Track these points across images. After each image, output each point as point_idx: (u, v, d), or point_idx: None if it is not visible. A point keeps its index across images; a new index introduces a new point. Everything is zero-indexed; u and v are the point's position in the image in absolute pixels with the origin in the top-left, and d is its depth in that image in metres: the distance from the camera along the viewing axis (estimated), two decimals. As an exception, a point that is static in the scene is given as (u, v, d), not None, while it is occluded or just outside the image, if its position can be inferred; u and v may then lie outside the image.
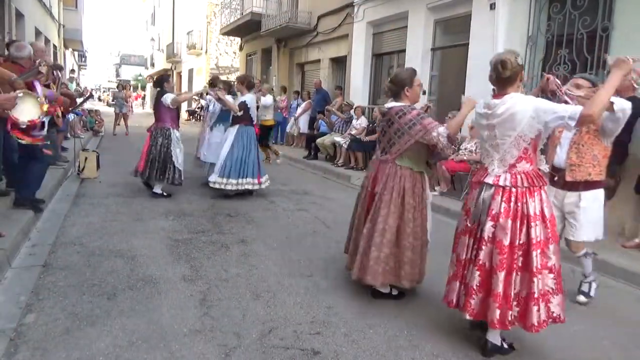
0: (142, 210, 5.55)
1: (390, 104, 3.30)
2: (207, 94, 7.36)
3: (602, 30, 5.41)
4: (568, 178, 3.31)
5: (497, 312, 2.51)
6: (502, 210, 2.52)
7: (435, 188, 6.95)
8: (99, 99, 40.37)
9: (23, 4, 10.80)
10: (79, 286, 3.30)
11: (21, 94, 3.63)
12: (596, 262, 4.28)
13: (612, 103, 2.84)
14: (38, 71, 4.48)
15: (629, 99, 4.81)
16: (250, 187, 6.35)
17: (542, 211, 2.53)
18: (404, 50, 9.24)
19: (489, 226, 2.55)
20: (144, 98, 41.81)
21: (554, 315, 2.57)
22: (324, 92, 11.73)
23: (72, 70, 28.12)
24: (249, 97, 6.33)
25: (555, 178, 3.41)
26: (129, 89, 19.03)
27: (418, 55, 8.68)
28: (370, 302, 3.28)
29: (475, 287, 2.58)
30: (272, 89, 11.20)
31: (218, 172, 6.21)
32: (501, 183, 2.56)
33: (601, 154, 3.27)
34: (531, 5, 6.30)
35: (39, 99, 3.87)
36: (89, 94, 10.18)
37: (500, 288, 2.51)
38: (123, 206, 5.72)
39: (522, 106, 2.48)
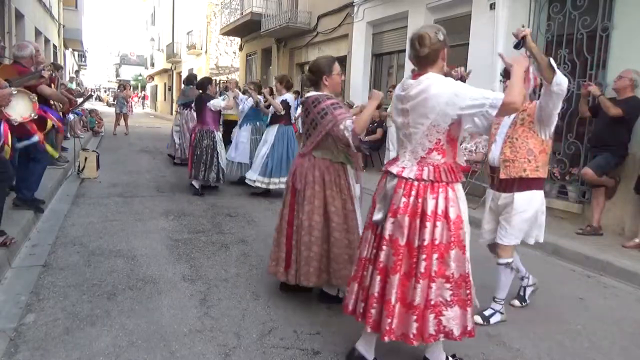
0: (142, 210, 5.56)
1: (309, 93, 3.13)
2: (244, 92, 7.72)
3: (602, 30, 5.41)
4: (502, 175, 3.04)
5: (387, 321, 2.20)
6: (401, 205, 2.22)
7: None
8: (99, 99, 40.38)
9: (23, 4, 10.80)
10: (79, 286, 3.30)
11: (15, 92, 3.64)
12: (597, 263, 4.30)
13: (553, 71, 2.64)
14: (40, 75, 4.48)
15: (628, 99, 4.88)
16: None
17: (445, 211, 2.20)
18: (403, 50, 9.23)
19: (389, 223, 2.26)
20: (144, 98, 41.85)
21: (446, 329, 2.23)
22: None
23: (77, 71, 28.14)
24: (288, 96, 6.56)
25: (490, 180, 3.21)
26: (129, 89, 19.02)
27: (418, 55, 8.68)
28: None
29: (376, 295, 2.26)
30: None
31: (258, 170, 6.38)
32: (404, 174, 2.25)
33: (537, 149, 2.99)
34: (531, 5, 6.30)
35: (32, 97, 3.88)
36: (89, 94, 10.17)
37: (393, 294, 2.19)
38: (123, 206, 5.72)
39: (437, 89, 2.14)
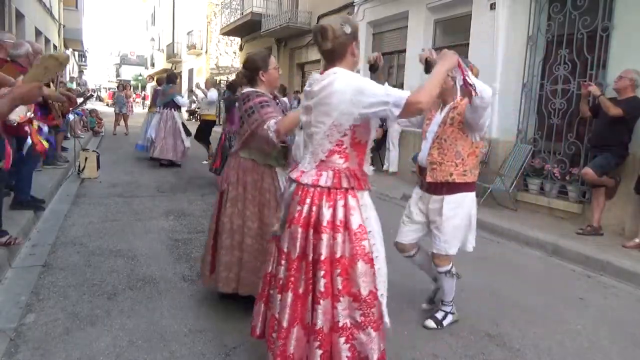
0: (142, 210, 5.56)
1: (244, 89, 2.95)
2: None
3: (602, 30, 5.41)
4: (428, 179, 2.83)
5: (279, 343, 1.93)
6: (296, 214, 1.98)
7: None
8: (99, 99, 40.39)
9: (23, 4, 10.80)
10: (79, 286, 3.30)
11: None
12: (597, 263, 4.30)
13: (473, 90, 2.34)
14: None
15: (629, 99, 4.88)
16: None
17: (345, 221, 1.94)
18: (404, 51, 9.24)
19: (285, 234, 2.03)
20: (144, 98, 41.89)
21: (362, 356, 1.94)
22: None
23: (80, 72, 28.13)
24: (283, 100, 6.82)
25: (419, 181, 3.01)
26: (130, 89, 19.03)
27: (418, 55, 8.68)
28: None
29: (276, 316, 2.00)
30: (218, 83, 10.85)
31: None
32: (302, 180, 2.00)
33: (466, 151, 2.76)
34: (531, 6, 6.30)
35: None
36: (89, 94, 10.18)
37: (285, 315, 1.94)
38: (123, 206, 5.72)
39: (341, 85, 1.91)
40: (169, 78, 9.52)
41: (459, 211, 2.81)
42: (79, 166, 7.27)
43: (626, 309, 3.52)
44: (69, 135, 10.20)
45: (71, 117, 10.06)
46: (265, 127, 2.61)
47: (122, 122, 15.44)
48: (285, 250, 2.01)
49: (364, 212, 1.99)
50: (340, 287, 1.91)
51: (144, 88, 45.03)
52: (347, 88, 1.90)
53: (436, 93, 1.95)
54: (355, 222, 1.95)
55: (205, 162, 9.75)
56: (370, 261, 1.95)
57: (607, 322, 3.24)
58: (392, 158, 8.94)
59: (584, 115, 5.35)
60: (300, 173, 2.05)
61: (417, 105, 1.86)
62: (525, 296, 3.60)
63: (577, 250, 4.54)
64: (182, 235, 4.65)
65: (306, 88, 2.12)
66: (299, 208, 1.97)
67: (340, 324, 1.91)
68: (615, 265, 4.18)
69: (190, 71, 28.34)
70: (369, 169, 2.10)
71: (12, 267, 3.57)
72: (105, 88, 56.53)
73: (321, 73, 2.07)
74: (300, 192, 2.00)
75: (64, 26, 18.20)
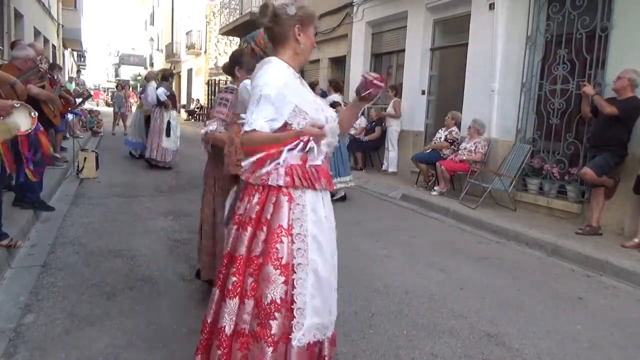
0: (141, 211, 5.55)
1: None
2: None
3: (601, 30, 5.41)
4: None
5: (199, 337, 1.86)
6: (239, 212, 1.87)
7: (435, 188, 6.96)
8: (103, 101, 40.36)
9: (22, 4, 10.79)
10: (78, 286, 3.29)
11: (18, 105, 3.65)
12: (596, 263, 4.31)
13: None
14: (38, 69, 4.47)
15: (628, 98, 4.88)
16: (344, 185, 6.50)
17: (269, 218, 1.78)
18: (403, 50, 9.24)
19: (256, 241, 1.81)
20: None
21: None
22: (321, 92, 11.75)
23: (78, 72, 28.09)
24: (336, 97, 7.28)
25: None
26: (129, 89, 19.02)
27: (417, 55, 8.68)
28: (370, 302, 3.28)
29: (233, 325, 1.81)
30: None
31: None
32: (252, 180, 1.84)
33: None
34: (530, 5, 6.30)
35: (32, 113, 3.89)
36: (88, 94, 10.15)
37: (210, 312, 1.86)
38: (122, 206, 5.71)
39: (253, 79, 1.85)
40: (164, 77, 9.49)
41: None
42: (78, 166, 7.27)
43: (626, 308, 3.52)
44: (68, 135, 10.19)
45: (70, 117, 10.06)
46: (204, 126, 2.78)
47: (120, 122, 15.43)
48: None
49: (298, 212, 1.79)
50: (249, 287, 1.75)
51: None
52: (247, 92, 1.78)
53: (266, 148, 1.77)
54: (279, 220, 1.76)
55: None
56: (282, 267, 1.73)
57: (607, 322, 3.24)
58: (392, 158, 8.95)
59: (585, 115, 5.35)
60: (248, 172, 1.89)
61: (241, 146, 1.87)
62: (524, 296, 3.60)
63: (576, 250, 4.54)
64: (182, 235, 4.65)
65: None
66: (244, 206, 1.86)
67: (239, 329, 1.75)
68: (614, 265, 4.18)
69: (190, 71, 28.33)
70: (294, 161, 1.81)
71: (11, 267, 3.56)
72: (104, 88, 56.47)
73: None
74: (247, 190, 1.88)
75: (62, 26, 18.18)
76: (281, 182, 1.77)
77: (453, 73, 8.11)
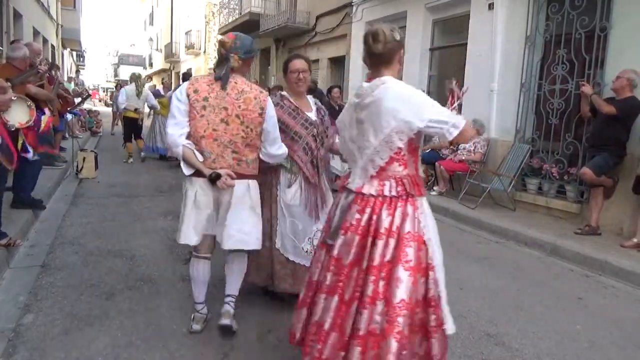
0: (140, 211, 5.55)
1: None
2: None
3: (600, 30, 5.42)
4: None
5: (317, 347, 1.95)
6: (353, 222, 1.99)
7: (434, 188, 6.97)
8: (99, 100, 40.32)
9: (21, 4, 10.77)
10: (77, 286, 3.29)
11: (15, 98, 3.65)
12: (595, 262, 4.31)
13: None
14: (37, 71, 4.46)
15: (627, 98, 4.89)
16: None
17: (399, 227, 1.94)
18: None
19: (339, 241, 2.02)
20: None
21: None
22: (319, 92, 11.73)
23: (78, 71, 28.04)
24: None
25: None
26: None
27: (416, 55, 8.68)
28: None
29: (318, 320, 2.01)
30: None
31: None
32: (365, 191, 2.00)
33: None
34: (529, 5, 6.31)
35: (29, 104, 3.89)
36: (87, 94, 10.13)
37: (328, 319, 1.95)
38: (122, 206, 5.71)
39: (394, 99, 1.93)
40: (185, 77, 9.53)
41: None
42: (77, 166, 7.26)
43: (625, 308, 3.52)
44: (67, 135, 10.18)
45: (69, 117, 10.04)
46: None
47: (119, 122, 15.42)
48: (336, 256, 2.01)
49: (422, 219, 2.00)
50: (381, 290, 1.89)
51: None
52: (401, 104, 1.92)
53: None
54: (406, 228, 1.94)
55: (130, 160, 9.50)
56: (411, 269, 1.90)
57: (606, 321, 3.24)
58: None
59: (585, 115, 5.36)
60: (360, 184, 2.03)
61: (470, 134, 1.99)
62: (524, 296, 3.60)
63: (575, 250, 4.55)
64: (181, 235, 4.64)
65: (354, 99, 2.10)
66: (357, 217, 1.99)
67: (370, 329, 1.88)
68: (613, 265, 4.18)
69: (189, 71, 28.30)
70: (421, 171, 2.16)
71: (10, 267, 3.56)
72: (104, 88, 56.41)
73: (367, 81, 2.07)
74: (359, 202, 2.01)
75: (61, 26, 18.15)
76: (407, 193, 1.97)
77: (452, 73, 8.09)
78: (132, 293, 3.24)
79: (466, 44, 7.40)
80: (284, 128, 2.88)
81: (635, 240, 4.62)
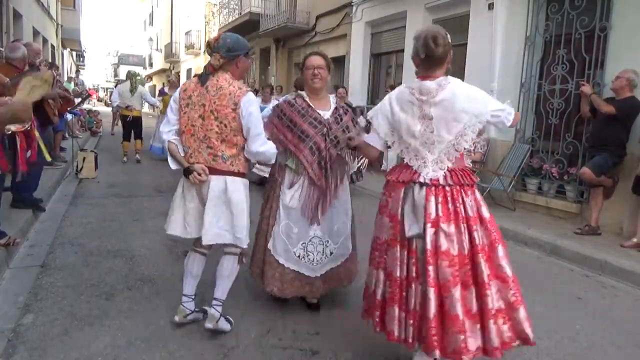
0: (140, 211, 5.55)
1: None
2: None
3: (600, 30, 5.42)
4: None
5: (461, 338, 2.04)
6: (440, 213, 2.11)
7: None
8: (98, 99, 40.29)
9: (21, 4, 10.77)
10: (77, 286, 3.29)
11: (11, 100, 3.63)
12: (595, 262, 4.31)
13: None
14: (38, 70, 4.44)
15: (627, 98, 4.89)
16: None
17: (479, 211, 2.17)
18: (402, 50, 9.25)
19: (430, 234, 2.10)
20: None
21: (522, 335, 2.13)
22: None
23: (78, 71, 27.99)
24: None
25: None
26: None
27: (416, 55, 8.68)
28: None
29: (432, 315, 2.08)
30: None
31: None
32: (443, 182, 2.16)
33: None
34: (529, 5, 6.31)
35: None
36: (86, 94, 10.12)
37: (459, 309, 2.05)
38: (121, 206, 5.71)
39: (464, 95, 2.15)
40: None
41: None
42: (77, 166, 7.26)
43: (624, 308, 3.52)
44: (67, 135, 10.18)
45: (69, 117, 10.04)
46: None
47: (119, 122, 15.41)
48: (430, 249, 2.09)
49: (484, 203, 2.23)
50: (486, 273, 2.08)
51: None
52: (471, 101, 2.14)
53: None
54: (485, 211, 2.18)
55: (125, 159, 9.51)
56: (505, 245, 2.17)
57: (606, 321, 3.24)
58: (391, 158, 8.92)
59: (585, 115, 5.36)
60: (433, 177, 2.16)
61: (518, 118, 2.27)
62: (523, 295, 3.59)
63: (575, 249, 4.55)
64: (181, 235, 4.64)
65: (418, 96, 2.21)
66: (442, 207, 2.12)
67: (498, 307, 2.08)
68: (613, 264, 4.18)
69: (189, 71, 28.29)
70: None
71: (10, 267, 3.56)
72: (103, 88, 56.38)
73: (422, 79, 2.23)
74: (435, 192, 2.15)
75: (61, 26, 18.15)
76: (472, 181, 2.22)
77: (452, 73, 8.09)
78: (132, 293, 3.25)
79: (466, 44, 7.40)
80: (291, 126, 2.87)
81: (635, 240, 4.62)
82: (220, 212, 2.62)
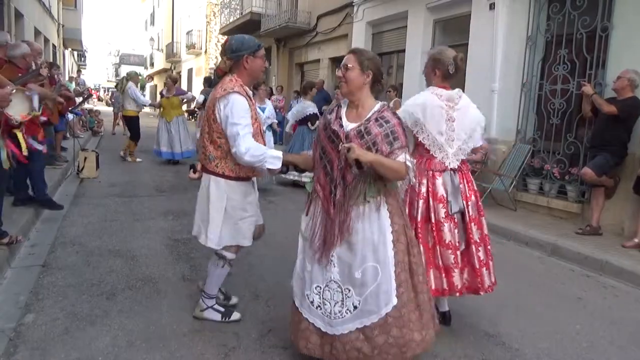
0: (141, 210, 5.55)
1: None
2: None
3: (602, 30, 5.41)
4: None
5: (478, 280, 2.80)
6: (467, 191, 2.83)
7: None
8: (99, 99, 40.33)
9: (22, 3, 10.78)
10: (78, 286, 3.30)
11: (14, 90, 3.62)
12: (596, 262, 4.31)
13: None
14: (38, 73, 4.46)
15: (627, 98, 4.88)
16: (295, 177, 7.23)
17: (473, 190, 2.88)
18: (403, 50, 9.24)
19: (468, 207, 2.81)
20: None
21: (493, 281, 2.90)
22: (324, 93, 11.72)
23: (79, 71, 28.02)
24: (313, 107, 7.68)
25: None
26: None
27: (417, 55, 8.67)
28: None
29: (478, 263, 2.80)
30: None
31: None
32: (463, 169, 2.87)
33: None
34: (531, 5, 6.30)
35: (27, 92, 3.87)
36: (88, 94, 10.13)
37: (476, 259, 2.81)
38: (122, 206, 5.72)
39: (470, 103, 2.88)
40: (209, 80, 9.64)
41: None
42: (78, 166, 7.27)
43: (625, 308, 3.52)
44: (68, 135, 10.19)
45: (70, 117, 10.05)
46: None
47: (120, 122, 15.42)
48: (469, 218, 2.80)
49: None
50: (479, 234, 2.84)
51: (142, 88, 44.89)
52: (476, 109, 2.90)
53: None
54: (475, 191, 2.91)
55: (129, 158, 9.52)
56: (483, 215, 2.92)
57: (606, 321, 3.24)
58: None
59: (586, 115, 5.35)
60: (459, 165, 2.83)
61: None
62: (524, 296, 3.60)
63: (576, 250, 4.55)
64: (182, 235, 4.65)
65: (446, 102, 2.76)
66: (467, 186, 2.84)
67: (485, 261, 2.85)
68: (614, 265, 4.18)
69: (190, 71, 28.33)
70: None
71: (11, 267, 3.57)
72: (105, 88, 56.43)
73: (442, 88, 2.80)
74: (460, 176, 2.83)
75: (63, 26, 18.16)
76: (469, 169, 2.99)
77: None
78: (132, 293, 3.25)
79: (467, 44, 7.39)
80: (318, 141, 2.42)
81: (636, 240, 4.62)
82: (200, 209, 2.77)
